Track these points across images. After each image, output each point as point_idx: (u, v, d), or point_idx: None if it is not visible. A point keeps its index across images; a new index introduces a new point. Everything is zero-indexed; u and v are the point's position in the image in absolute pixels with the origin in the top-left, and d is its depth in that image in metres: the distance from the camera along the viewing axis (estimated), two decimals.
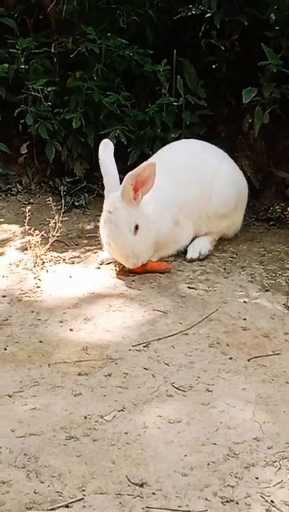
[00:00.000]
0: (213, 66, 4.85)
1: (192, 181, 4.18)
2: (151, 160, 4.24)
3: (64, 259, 4.16)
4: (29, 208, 4.29)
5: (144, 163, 3.92)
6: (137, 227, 3.86)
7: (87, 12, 4.98)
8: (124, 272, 3.97)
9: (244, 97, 4.45)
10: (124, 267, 3.96)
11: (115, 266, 4.02)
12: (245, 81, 4.64)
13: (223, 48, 4.74)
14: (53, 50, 5.08)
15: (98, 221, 4.25)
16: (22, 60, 5.01)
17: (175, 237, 4.15)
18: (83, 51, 4.83)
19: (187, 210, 4.16)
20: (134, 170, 3.85)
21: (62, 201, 4.60)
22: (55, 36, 5.16)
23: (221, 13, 4.62)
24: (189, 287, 3.85)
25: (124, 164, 4.58)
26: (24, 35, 5.17)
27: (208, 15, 4.64)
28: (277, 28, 4.52)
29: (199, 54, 4.92)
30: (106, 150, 4.03)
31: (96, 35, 4.81)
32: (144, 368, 3.14)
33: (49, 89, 4.94)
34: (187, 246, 4.22)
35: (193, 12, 4.67)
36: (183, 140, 4.59)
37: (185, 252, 4.20)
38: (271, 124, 4.70)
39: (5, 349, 3.29)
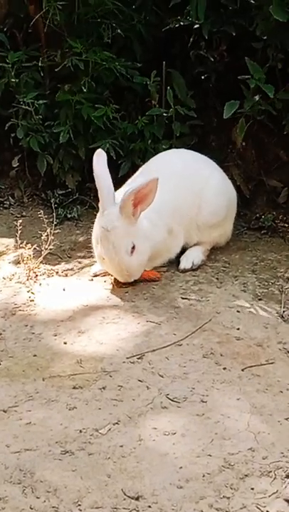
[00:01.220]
0: (202, 77, 4.87)
1: (184, 189, 4.18)
2: (144, 169, 4.23)
3: (57, 272, 4.17)
4: (21, 221, 4.29)
5: (147, 179, 3.84)
6: (133, 248, 3.86)
7: (75, 25, 5.01)
8: (117, 283, 3.97)
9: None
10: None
11: (111, 278, 4.04)
12: (235, 91, 4.66)
13: (212, 59, 4.76)
14: (41, 64, 5.10)
15: (91, 233, 4.26)
16: (12, 73, 5.03)
17: (168, 245, 4.15)
18: (69, 65, 4.85)
19: (179, 217, 4.15)
20: (136, 186, 3.81)
21: (54, 214, 4.61)
22: (45, 49, 5.18)
23: (209, 24, 4.64)
24: (182, 298, 3.86)
25: (116, 175, 4.58)
26: (14, 48, 5.19)
27: (196, 26, 4.67)
28: (264, 38, 4.54)
29: (188, 65, 4.95)
30: (99, 161, 3.97)
31: (83, 49, 4.83)
32: (139, 380, 3.14)
33: (40, 102, 4.95)
34: (177, 255, 4.21)
35: (182, 23, 4.70)
36: (174, 150, 4.61)
37: (178, 262, 4.21)
38: (260, 133, 4.72)
39: None
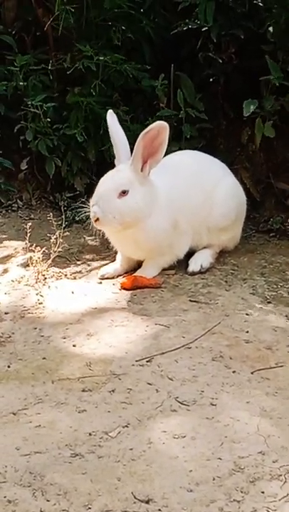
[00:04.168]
0: (211, 79, 4.88)
1: (195, 187, 4.17)
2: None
3: (66, 275, 4.17)
4: (30, 223, 4.31)
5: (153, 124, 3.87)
6: (125, 193, 3.85)
7: (84, 28, 5.02)
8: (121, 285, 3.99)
9: (245, 110, 4.46)
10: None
11: (119, 281, 4.03)
12: (243, 94, 4.66)
13: (220, 61, 4.76)
14: (50, 67, 5.11)
15: (99, 236, 4.27)
16: (21, 76, 5.05)
17: (171, 241, 4.09)
18: (79, 68, 4.86)
19: (189, 214, 4.13)
20: (145, 130, 3.83)
21: (63, 216, 4.62)
22: (53, 53, 5.20)
23: (218, 26, 4.65)
24: (191, 300, 3.86)
25: None
26: (22, 52, 5.21)
27: (204, 29, 4.67)
28: (273, 41, 4.54)
29: (197, 68, 4.95)
30: (113, 120, 4.04)
31: (93, 52, 4.84)
32: (148, 383, 3.14)
33: (48, 105, 4.97)
34: (182, 257, 4.19)
35: (190, 26, 4.71)
36: (186, 150, 4.60)
37: (186, 265, 4.20)
38: (270, 136, 4.71)
39: (8, 366, 3.29)
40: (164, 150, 3.89)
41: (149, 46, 5.06)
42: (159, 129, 3.84)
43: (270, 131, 4.55)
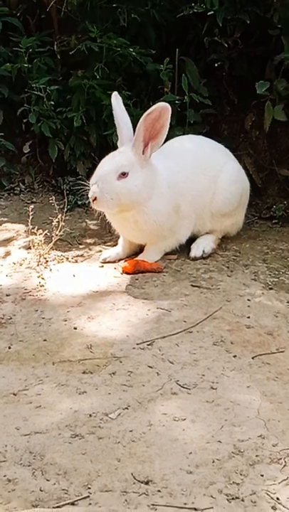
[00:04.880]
0: (216, 64, 4.85)
1: (199, 171, 4.16)
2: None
3: (67, 258, 4.17)
4: (32, 207, 4.31)
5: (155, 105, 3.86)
6: (125, 175, 3.84)
7: (89, 11, 4.99)
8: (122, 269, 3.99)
9: (258, 89, 4.44)
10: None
11: (120, 265, 4.03)
12: (248, 79, 4.64)
13: (226, 46, 4.73)
14: (56, 49, 5.08)
15: (101, 220, 4.25)
16: (25, 59, 5.02)
17: (172, 224, 4.07)
18: (83, 49, 4.82)
19: (192, 198, 4.11)
20: (146, 112, 3.83)
21: (65, 200, 4.60)
22: (58, 35, 5.17)
23: (224, 11, 4.62)
24: (193, 285, 3.85)
25: None
26: (27, 34, 5.18)
27: (210, 13, 4.64)
28: (279, 26, 4.51)
29: (201, 53, 4.92)
30: (118, 102, 4.04)
31: (97, 34, 4.81)
32: (149, 366, 3.14)
33: (52, 88, 4.94)
34: (183, 241, 4.19)
35: (196, 10, 4.68)
36: (193, 135, 4.58)
37: (188, 250, 4.19)
38: (273, 123, 4.69)
39: (9, 347, 3.29)
40: (166, 132, 3.87)
41: (154, 30, 5.03)
42: (161, 110, 3.82)
43: (279, 114, 4.53)
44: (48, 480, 2.47)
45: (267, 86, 4.42)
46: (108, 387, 2.99)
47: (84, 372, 3.09)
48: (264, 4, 4.60)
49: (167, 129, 3.87)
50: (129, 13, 4.85)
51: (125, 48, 4.80)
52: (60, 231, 4.13)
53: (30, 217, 4.17)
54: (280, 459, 2.60)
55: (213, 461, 2.58)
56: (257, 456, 2.61)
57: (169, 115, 3.85)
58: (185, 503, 2.39)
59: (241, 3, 4.71)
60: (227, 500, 2.41)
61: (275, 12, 4.42)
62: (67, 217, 4.29)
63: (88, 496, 2.40)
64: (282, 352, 3.28)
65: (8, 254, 4.25)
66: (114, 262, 4.13)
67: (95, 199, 3.82)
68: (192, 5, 4.68)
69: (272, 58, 4.57)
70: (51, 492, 2.42)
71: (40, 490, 2.43)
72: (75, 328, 3.44)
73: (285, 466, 2.56)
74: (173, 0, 4.96)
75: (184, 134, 4.70)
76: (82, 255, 4.24)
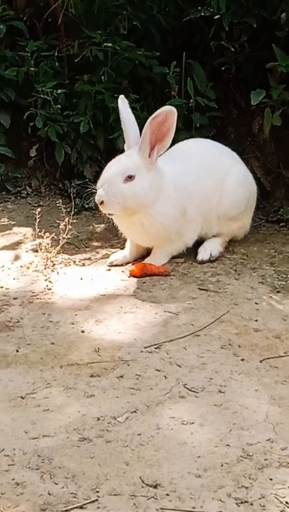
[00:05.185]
0: (223, 68, 4.85)
1: (206, 174, 4.16)
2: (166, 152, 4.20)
3: (74, 261, 4.17)
4: (39, 210, 4.32)
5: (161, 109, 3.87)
6: (131, 178, 3.84)
7: (95, 15, 4.99)
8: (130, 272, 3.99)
9: (252, 99, 4.44)
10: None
11: (128, 268, 4.03)
12: (255, 82, 4.64)
13: (232, 50, 4.73)
14: (59, 54, 5.08)
15: (108, 223, 4.26)
16: (32, 62, 5.03)
17: (179, 227, 4.06)
18: (88, 55, 4.83)
19: (199, 201, 4.10)
20: (152, 115, 3.84)
21: (72, 203, 4.61)
22: (64, 39, 5.17)
23: (230, 14, 4.62)
24: (200, 289, 3.85)
25: None
26: (34, 38, 5.19)
27: (217, 17, 4.64)
28: (287, 29, 4.51)
29: (208, 56, 4.92)
30: (125, 105, 4.04)
31: (102, 39, 4.81)
32: (156, 370, 3.13)
33: (58, 91, 4.95)
34: (190, 244, 4.18)
35: (202, 14, 4.68)
36: (200, 138, 4.57)
37: (195, 253, 4.19)
38: (280, 126, 4.69)
39: (17, 351, 3.29)
40: (172, 135, 3.88)
41: (160, 34, 5.03)
42: (167, 113, 3.83)
43: (277, 120, 4.53)
44: (56, 483, 2.47)
45: (262, 95, 4.40)
46: (116, 391, 2.99)
47: (92, 376, 3.09)
48: (271, 6, 4.60)
49: (173, 132, 3.88)
50: (131, 20, 4.84)
51: (130, 50, 4.80)
52: (67, 234, 4.13)
53: (38, 220, 4.18)
54: None
55: (222, 465, 2.57)
56: (266, 459, 2.60)
57: (175, 118, 3.85)
58: (194, 507, 2.38)
59: (248, 6, 4.71)
60: (236, 504, 2.40)
61: (283, 13, 4.41)
62: (74, 221, 4.30)
63: (97, 500, 2.40)
64: None
65: (15, 257, 4.24)
66: (121, 265, 4.13)
67: (102, 202, 3.82)
68: (199, 8, 4.68)
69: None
70: (59, 496, 2.42)
71: (49, 493, 2.43)
72: (83, 332, 3.44)
73: None
74: (179, 4, 4.96)
75: (190, 137, 4.70)
76: (89, 258, 4.24)
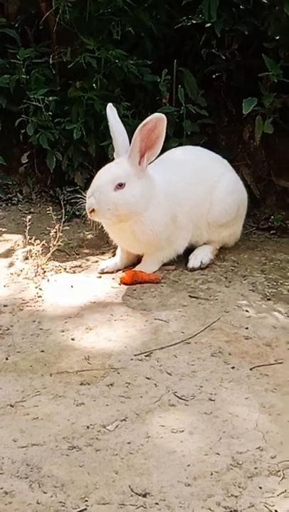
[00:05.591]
0: (214, 76, 4.86)
1: (196, 181, 4.16)
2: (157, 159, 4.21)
3: (65, 269, 4.16)
4: (30, 217, 4.30)
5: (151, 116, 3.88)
6: (122, 186, 3.84)
7: (86, 22, 5.00)
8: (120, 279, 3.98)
9: (244, 108, 4.45)
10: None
11: (118, 276, 4.02)
12: (246, 90, 4.65)
13: (223, 58, 4.75)
14: (51, 61, 5.09)
15: (99, 230, 4.25)
16: (23, 70, 5.03)
17: (169, 235, 4.06)
18: (80, 62, 4.84)
19: (188, 208, 4.11)
20: (142, 123, 3.84)
21: (63, 210, 4.60)
22: (56, 46, 5.18)
23: (222, 22, 4.63)
24: (191, 296, 3.85)
25: None
26: (25, 45, 5.19)
27: (208, 24, 4.65)
28: (276, 38, 4.53)
29: (199, 63, 4.93)
30: (114, 114, 4.04)
31: (95, 46, 4.82)
32: (147, 378, 3.13)
33: (50, 99, 4.95)
34: (181, 252, 4.18)
35: (194, 22, 4.69)
36: (190, 146, 4.58)
37: (186, 261, 4.19)
38: (271, 134, 4.70)
39: (6, 359, 3.28)
40: (162, 143, 3.88)
41: (152, 41, 5.04)
42: (157, 121, 3.83)
43: (268, 128, 4.54)
44: (45, 492, 2.46)
45: (254, 103, 4.41)
46: (106, 399, 2.98)
47: (81, 384, 3.08)
48: (262, 16, 4.62)
49: (163, 140, 3.88)
50: (124, 27, 4.85)
51: (123, 59, 4.81)
52: (57, 241, 4.12)
53: (28, 227, 4.16)
54: (279, 471, 2.58)
55: (212, 474, 2.56)
56: (255, 468, 2.60)
57: (165, 126, 3.86)
58: None
59: (239, 14, 4.72)
60: None
61: (270, 25, 4.43)
62: (64, 228, 4.29)
63: (86, 509, 2.39)
64: (280, 363, 3.27)
65: (5, 264, 4.23)
66: (112, 272, 4.12)
67: (93, 211, 3.82)
68: (190, 16, 4.69)
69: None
70: (48, 505, 2.41)
71: (38, 502, 2.42)
72: (73, 339, 3.43)
73: (283, 478, 2.55)
74: (170, 12, 4.98)
75: (180, 145, 4.71)
76: (80, 266, 4.23)
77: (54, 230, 4.12)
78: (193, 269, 4.14)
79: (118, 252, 4.22)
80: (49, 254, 4.11)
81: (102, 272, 4.11)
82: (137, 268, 4.08)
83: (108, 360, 3.25)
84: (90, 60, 4.81)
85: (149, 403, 2.95)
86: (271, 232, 4.68)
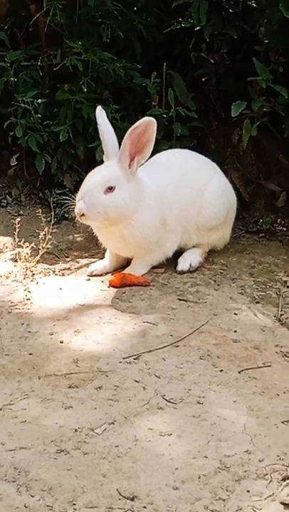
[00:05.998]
0: (203, 79, 4.87)
1: (185, 185, 4.16)
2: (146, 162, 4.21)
3: (54, 271, 4.15)
4: (19, 219, 4.30)
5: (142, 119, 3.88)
6: (112, 189, 3.84)
7: (76, 25, 5.00)
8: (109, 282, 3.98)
9: (233, 111, 4.45)
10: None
11: (107, 279, 4.02)
12: (235, 94, 4.66)
13: (212, 61, 4.76)
14: (40, 63, 5.08)
15: (88, 233, 4.24)
16: (11, 72, 5.02)
17: (158, 238, 4.06)
18: (68, 65, 4.83)
19: (177, 211, 4.11)
20: (132, 126, 3.84)
21: (52, 213, 4.60)
22: (45, 49, 5.17)
23: (211, 26, 4.64)
24: (180, 299, 3.85)
25: None
26: (14, 47, 5.18)
27: (197, 28, 4.66)
28: (266, 41, 4.54)
29: (189, 67, 4.94)
30: (103, 116, 4.03)
31: (83, 49, 4.81)
32: (135, 381, 3.13)
33: (39, 101, 4.94)
34: (170, 255, 4.18)
35: (183, 25, 4.70)
36: (179, 149, 4.58)
37: (175, 264, 4.19)
38: (260, 137, 4.72)
39: None
40: (152, 146, 3.89)
41: (141, 44, 5.04)
42: (147, 124, 3.84)
43: (254, 130, 4.54)
44: (32, 496, 2.45)
45: (243, 107, 4.42)
46: (94, 402, 2.97)
47: (70, 387, 3.07)
48: (251, 20, 4.63)
49: (153, 143, 3.89)
50: (114, 30, 4.86)
51: (111, 62, 4.81)
52: (46, 244, 4.12)
53: (17, 229, 4.16)
54: (266, 474, 2.59)
55: (199, 477, 2.56)
56: (243, 471, 2.60)
57: (155, 129, 3.86)
58: None
59: (228, 18, 4.74)
60: None
61: (260, 28, 4.45)
62: (54, 230, 4.29)
63: None
64: (268, 366, 3.27)
65: None
66: (101, 275, 4.12)
67: (83, 215, 3.82)
68: (179, 20, 4.70)
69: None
70: (36, 508, 2.40)
71: (25, 506, 2.41)
72: (61, 342, 3.42)
73: (271, 481, 2.55)
74: (160, 15, 4.98)
75: (170, 148, 4.71)
76: (69, 268, 4.23)
77: (43, 233, 4.11)
78: (182, 272, 4.15)
79: (107, 254, 4.22)
80: (38, 257, 4.11)
81: (91, 275, 4.11)
82: (126, 271, 4.08)
83: (96, 363, 3.24)
84: (77, 62, 4.81)
85: (137, 406, 2.95)
86: (260, 235, 4.69)
